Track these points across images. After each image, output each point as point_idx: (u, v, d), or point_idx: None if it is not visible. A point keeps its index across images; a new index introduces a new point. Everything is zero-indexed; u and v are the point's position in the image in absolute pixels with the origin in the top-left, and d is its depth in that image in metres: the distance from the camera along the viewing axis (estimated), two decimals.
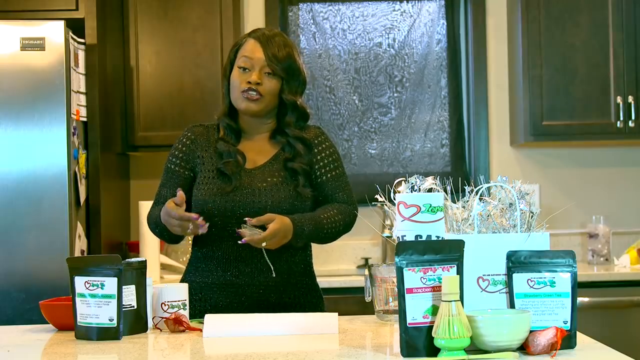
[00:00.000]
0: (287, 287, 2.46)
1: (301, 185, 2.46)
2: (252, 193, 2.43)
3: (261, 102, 2.46)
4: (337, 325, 2.07)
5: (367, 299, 2.26)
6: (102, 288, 2.03)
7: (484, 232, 1.84)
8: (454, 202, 1.89)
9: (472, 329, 1.66)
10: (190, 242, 2.81)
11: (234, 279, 2.44)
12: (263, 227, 2.31)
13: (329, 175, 2.52)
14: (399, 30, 4.56)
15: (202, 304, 2.46)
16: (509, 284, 1.79)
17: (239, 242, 2.31)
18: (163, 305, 2.19)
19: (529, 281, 1.78)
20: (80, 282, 2.05)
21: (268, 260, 2.39)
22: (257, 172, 2.47)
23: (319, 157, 2.52)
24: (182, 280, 2.53)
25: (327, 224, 2.43)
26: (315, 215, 2.43)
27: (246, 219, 2.31)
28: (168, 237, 2.48)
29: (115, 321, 2.02)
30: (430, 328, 1.68)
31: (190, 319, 2.28)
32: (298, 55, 2.53)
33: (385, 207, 2.05)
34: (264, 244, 2.30)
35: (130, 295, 2.08)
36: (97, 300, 2.03)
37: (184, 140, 2.54)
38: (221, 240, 2.45)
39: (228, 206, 2.41)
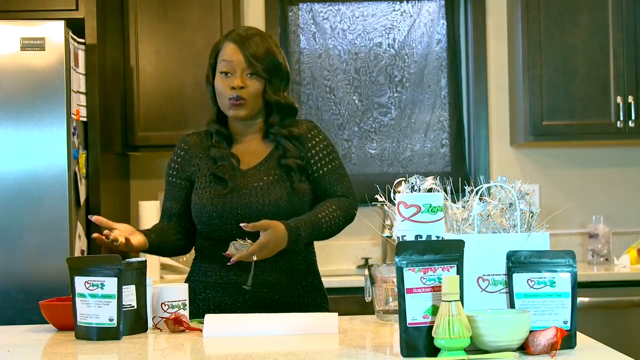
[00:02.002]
0: (291, 286, 2.46)
1: (297, 181, 2.45)
2: (249, 193, 2.42)
3: (246, 107, 2.45)
4: (337, 325, 2.07)
5: (367, 299, 2.26)
6: (102, 288, 2.03)
7: (484, 232, 1.84)
8: (454, 202, 1.89)
9: (472, 329, 1.66)
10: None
11: (237, 278, 2.44)
12: (257, 235, 2.30)
13: (325, 169, 2.51)
14: (399, 30, 4.56)
15: (206, 303, 2.47)
16: (509, 284, 1.79)
17: (227, 264, 2.29)
18: (163, 305, 2.19)
19: (529, 281, 1.78)
20: (80, 282, 2.05)
21: (252, 270, 2.34)
22: (252, 172, 2.47)
23: (313, 152, 2.51)
24: (187, 280, 2.53)
25: (326, 222, 2.42)
26: (312, 215, 2.42)
27: (241, 224, 2.28)
28: (166, 253, 2.59)
29: (115, 321, 2.02)
30: (430, 328, 1.68)
31: (194, 318, 2.28)
32: (278, 49, 2.49)
33: (385, 207, 2.05)
34: (254, 257, 2.29)
35: (130, 295, 2.08)
36: (97, 300, 2.03)
37: (179, 151, 2.56)
38: (222, 241, 2.45)
39: (226, 207, 2.41)
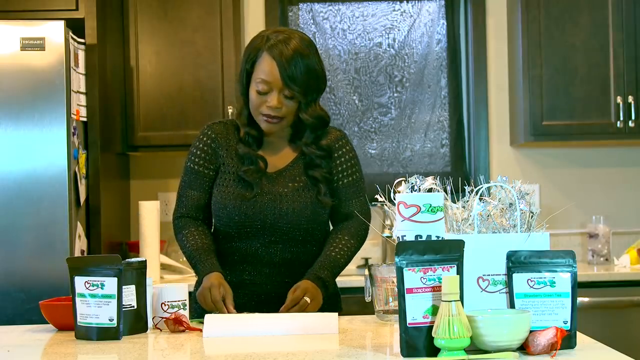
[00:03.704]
0: None
1: (323, 194, 2.45)
2: (274, 199, 2.42)
3: (280, 124, 2.43)
4: (337, 325, 2.07)
5: (367, 299, 2.26)
6: (102, 288, 2.03)
7: (484, 232, 1.84)
8: (454, 202, 1.89)
9: (472, 329, 1.66)
10: None
11: (251, 279, 2.44)
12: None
13: (345, 180, 2.50)
14: (399, 30, 4.56)
15: None
16: (509, 284, 1.79)
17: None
18: (163, 305, 2.19)
19: (529, 281, 1.78)
20: (80, 282, 2.05)
21: None
22: (278, 177, 2.45)
23: (338, 162, 2.50)
24: (197, 280, 2.52)
25: (342, 256, 2.44)
26: (325, 256, 2.42)
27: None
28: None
29: (115, 321, 2.02)
30: (430, 328, 1.68)
31: (192, 318, 2.28)
32: (317, 57, 2.43)
33: (385, 207, 2.05)
34: (308, 300, 2.29)
35: (130, 295, 2.08)
36: (97, 300, 2.03)
37: (205, 139, 2.50)
38: (239, 241, 2.44)
39: (249, 212, 2.41)
